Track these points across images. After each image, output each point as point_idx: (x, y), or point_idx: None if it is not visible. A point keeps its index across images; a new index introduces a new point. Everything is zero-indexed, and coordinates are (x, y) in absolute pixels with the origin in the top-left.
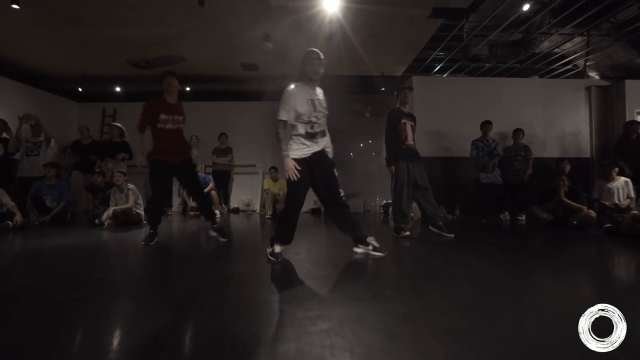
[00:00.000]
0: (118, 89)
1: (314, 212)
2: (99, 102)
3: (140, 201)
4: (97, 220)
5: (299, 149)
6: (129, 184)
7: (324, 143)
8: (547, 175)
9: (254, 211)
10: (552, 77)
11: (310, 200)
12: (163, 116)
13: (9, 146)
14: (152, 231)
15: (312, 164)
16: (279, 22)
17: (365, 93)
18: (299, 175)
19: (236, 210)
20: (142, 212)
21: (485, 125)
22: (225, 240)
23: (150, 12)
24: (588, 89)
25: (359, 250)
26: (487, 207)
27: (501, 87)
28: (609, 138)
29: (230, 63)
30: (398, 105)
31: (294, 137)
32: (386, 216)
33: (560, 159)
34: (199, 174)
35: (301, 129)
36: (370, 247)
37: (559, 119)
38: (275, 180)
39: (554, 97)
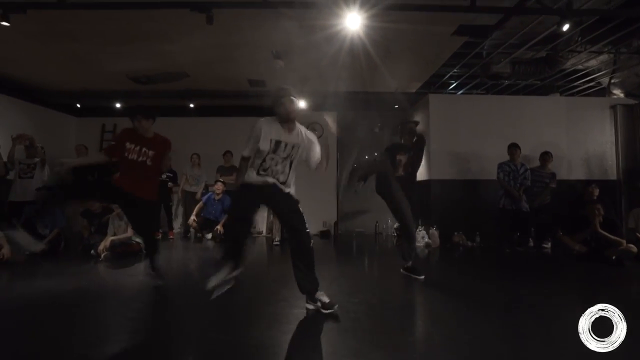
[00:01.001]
0: (118, 105)
1: (323, 235)
2: (98, 117)
3: None
4: (92, 251)
5: (252, 176)
6: None
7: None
8: (573, 199)
9: (260, 233)
10: (572, 94)
11: (319, 221)
12: (129, 145)
13: None
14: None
15: (271, 197)
16: (291, 39)
17: (377, 109)
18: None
19: None
20: (142, 241)
21: (513, 148)
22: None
23: (152, 27)
24: (613, 107)
25: (309, 306)
26: (510, 235)
27: (522, 105)
28: (637, 160)
29: (236, 79)
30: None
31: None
32: (399, 240)
33: (587, 181)
34: (226, 196)
35: (257, 163)
36: (319, 304)
37: (583, 139)
38: None
39: (578, 116)
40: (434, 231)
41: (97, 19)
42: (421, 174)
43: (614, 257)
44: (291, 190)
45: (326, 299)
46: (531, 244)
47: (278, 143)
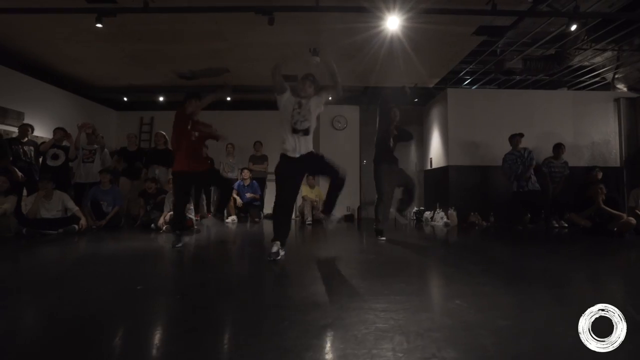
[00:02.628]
0: (161, 99)
1: (347, 219)
2: (136, 111)
3: (192, 207)
4: (152, 225)
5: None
6: None
7: (308, 145)
8: (580, 183)
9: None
10: (579, 89)
11: (343, 206)
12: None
13: (69, 153)
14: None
15: (305, 162)
16: (331, 39)
17: (394, 103)
18: None
19: (271, 216)
20: (194, 217)
21: (515, 137)
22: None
23: (211, 27)
24: (617, 100)
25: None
26: (522, 214)
27: (532, 99)
28: (638, 148)
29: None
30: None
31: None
32: (418, 223)
33: (591, 167)
34: (254, 181)
35: (286, 126)
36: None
37: (588, 130)
38: (312, 187)
39: (584, 109)
40: (452, 212)
41: (165, 20)
42: (439, 160)
43: (615, 230)
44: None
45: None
46: (556, 224)
47: (300, 102)
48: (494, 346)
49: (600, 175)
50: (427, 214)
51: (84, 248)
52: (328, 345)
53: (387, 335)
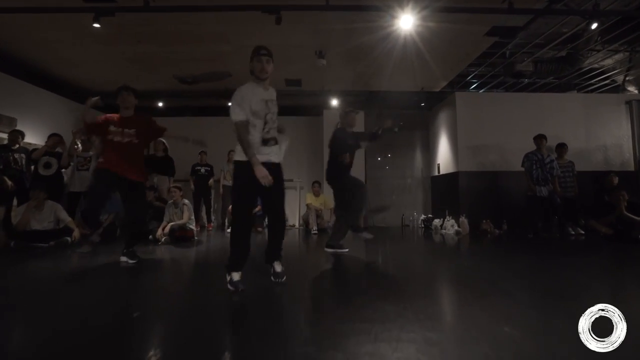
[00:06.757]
0: (161, 104)
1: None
2: None
3: (194, 217)
4: (150, 237)
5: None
6: (184, 199)
7: (278, 154)
8: (597, 188)
9: (293, 226)
10: (588, 92)
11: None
12: (112, 128)
13: (61, 160)
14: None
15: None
16: (338, 40)
17: (399, 108)
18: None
19: None
20: (194, 228)
21: (539, 139)
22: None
23: (214, 28)
24: (629, 102)
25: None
26: (534, 222)
27: (542, 101)
28: None
29: (274, 79)
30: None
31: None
32: (427, 231)
33: (606, 172)
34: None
35: (256, 135)
36: (272, 271)
37: (600, 133)
38: (317, 195)
39: (595, 112)
40: (463, 219)
41: (166, 20)
42: (448, 166)
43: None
44: (280, 153)
45: (278, 269)
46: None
47: (267, 102)
48: None
49: (616, 180)
50: (436, 221)
51: (76, 262)
52: None
53: None
